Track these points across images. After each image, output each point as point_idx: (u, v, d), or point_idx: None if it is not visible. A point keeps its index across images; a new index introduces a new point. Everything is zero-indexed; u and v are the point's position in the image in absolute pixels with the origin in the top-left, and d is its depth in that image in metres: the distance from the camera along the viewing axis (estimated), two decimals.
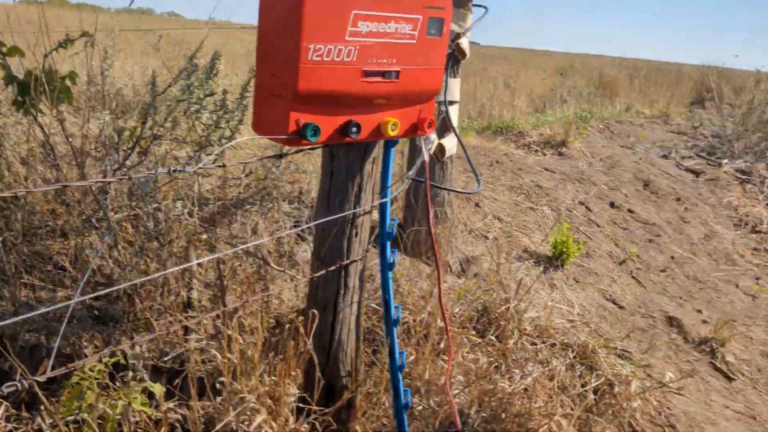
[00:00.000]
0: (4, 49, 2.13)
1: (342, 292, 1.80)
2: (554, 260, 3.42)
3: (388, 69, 1.55)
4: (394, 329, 1.85)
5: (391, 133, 1.62)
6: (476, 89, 9.49)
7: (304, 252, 2.66)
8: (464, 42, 2.81)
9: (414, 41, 1.59)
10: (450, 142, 2.88)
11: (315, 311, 1.76)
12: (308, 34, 1.39)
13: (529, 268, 3.30)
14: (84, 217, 2.22)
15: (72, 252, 2.24)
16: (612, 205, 4.92)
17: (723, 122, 8.88)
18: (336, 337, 1.83)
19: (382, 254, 1.85)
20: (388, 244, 1.85)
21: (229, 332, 1.67)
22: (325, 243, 1.78)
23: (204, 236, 2.38)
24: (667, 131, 9.04)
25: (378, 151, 1.83)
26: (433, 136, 2.45)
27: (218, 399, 1.58)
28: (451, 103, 2.86)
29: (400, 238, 2.94)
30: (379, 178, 1.85)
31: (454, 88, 2.88)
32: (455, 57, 2.81)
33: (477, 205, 3.82)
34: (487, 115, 7.90)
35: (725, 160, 7.31)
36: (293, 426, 1.63)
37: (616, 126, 8.11)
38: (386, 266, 1.85)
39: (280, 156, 1.77)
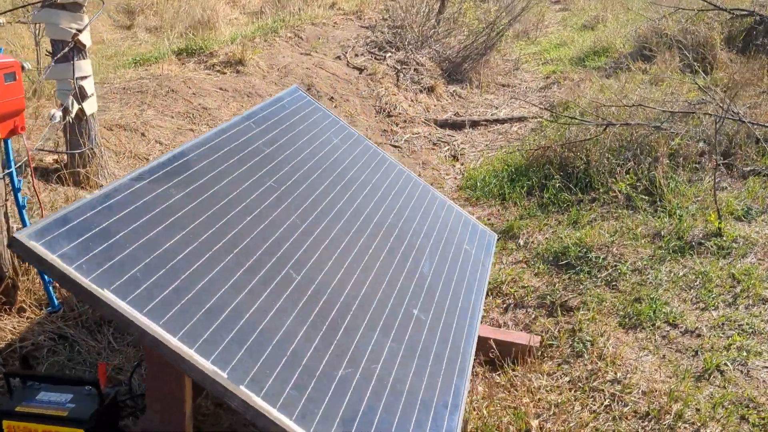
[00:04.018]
0: None
1: None
2: None
3: None
4: None
5: None
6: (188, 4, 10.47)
7: None
8: (84, 36, 4.06)
9: None
10: (88, 106, 4.19)
11: None
12: None
13: None
14: None
15: None
16: None
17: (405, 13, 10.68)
18: None
19: (16, 200, 3.23)
20: (19, 195, 3.22)
21: None
22: None
23: None
24: (360, 26, 10.70)
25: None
26: (58, 112, 3.74)
27: None
28: (84, 78, 4.15)
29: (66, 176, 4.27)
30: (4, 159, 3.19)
31: (85, 67, 4.15)
32: (78, 48, 4.06)
33: (143, 134, 5.19)
34: (198, 34, 9.02)
35: (389, 53, 9.12)
36: None
37: (310, 29, 9.59)
38: (21, 209, 3.23)
39: None
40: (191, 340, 1.92)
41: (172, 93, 6.00)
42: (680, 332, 3.62)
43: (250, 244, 2.42)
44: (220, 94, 6.40)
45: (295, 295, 2.36)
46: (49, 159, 4.39)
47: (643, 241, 4.56)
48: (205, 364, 1.88)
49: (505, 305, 4.15)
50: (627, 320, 3.76)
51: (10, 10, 4.80)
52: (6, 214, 3.23)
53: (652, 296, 3.91)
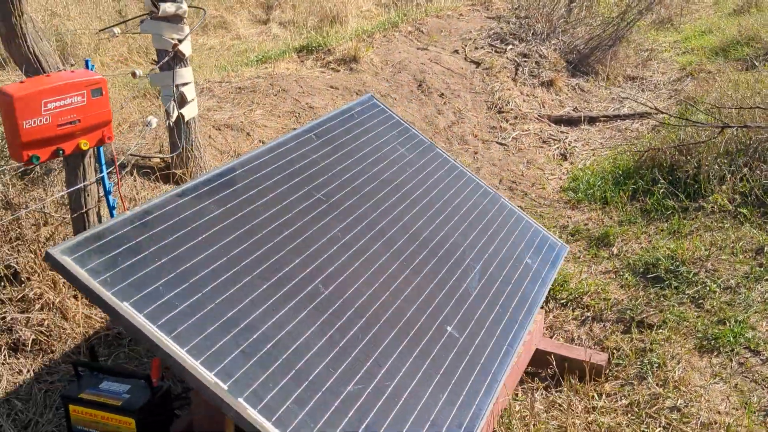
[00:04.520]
0: None
1: (87, 226, 3.52)
2: None
3: (71, 120, 3.17)
4: None
5: (84, 148, 3.27)
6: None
7: None
8: (184, 47, 4.36)
9: (85, 102, 3.21)
10: (188, 111, 4.50)
11: None
12: (20, 117, 3.00)
13: None
14: None
15: None
16: None
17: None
18: None
19: (107, 201, 3.56)
20: (110, 196, 3.55)
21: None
22: (73, 200, 3.48)
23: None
24: (486, 17, 10.57)
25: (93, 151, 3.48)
26: (154, 119, 4.05)
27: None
28: (185, 84, 4.46)
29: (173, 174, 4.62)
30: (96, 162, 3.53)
31: (186, 74, 4.45)
32: (178, 57, 4.37)
33: (248, 134, 5.49)
34: (326, 29, 9.31)
35: (510, 46, 8.97)
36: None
37: (433, 22, 9.59)
38: (111, 209, 3.57)
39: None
40: (199, 352, 2.08)
41: (282, 92, 6.28)
42: (761, 360, 3.38)
43: (281, 259, 2.55)
44: (329, 92, 6.61)
45: (318, 310, 2.46)
46: (156, 160, 4.77)
47: (742, 256, 4.26)
48: (206, 375, 2.03)
49: (582, 318, 4.04)
50: (705, 342, 3.56)
51: (123, 21, 5.24)
52: (98, 214, 3.58)
53: (738, 318, 3.66)
